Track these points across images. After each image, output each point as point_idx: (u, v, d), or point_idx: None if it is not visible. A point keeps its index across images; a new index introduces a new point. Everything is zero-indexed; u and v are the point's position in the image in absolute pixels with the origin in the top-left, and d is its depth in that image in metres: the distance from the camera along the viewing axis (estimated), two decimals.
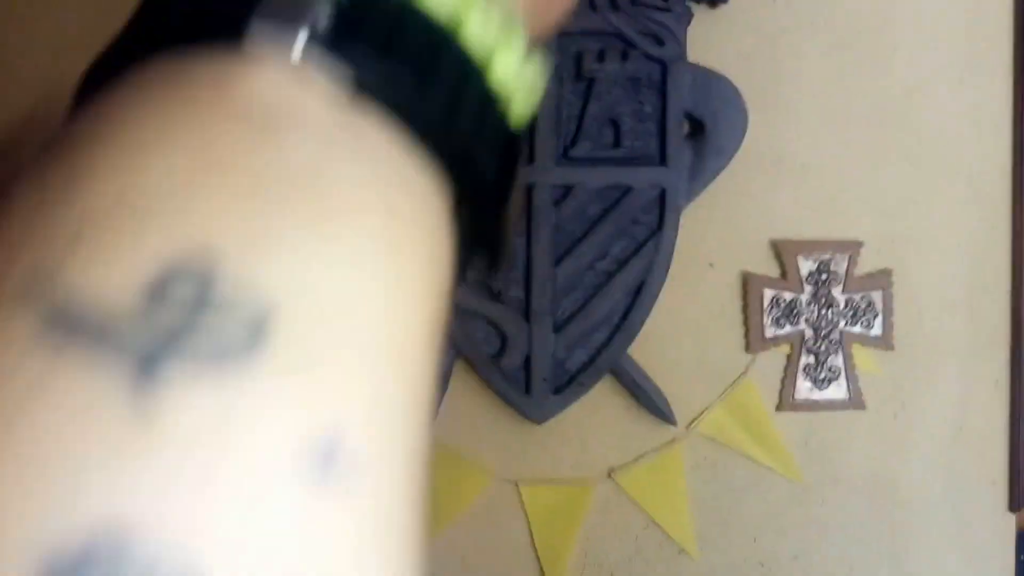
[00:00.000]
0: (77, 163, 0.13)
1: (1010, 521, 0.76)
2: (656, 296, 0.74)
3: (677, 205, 0.74)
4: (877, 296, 0.75)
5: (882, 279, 0.75)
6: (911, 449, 0.76)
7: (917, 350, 0.76)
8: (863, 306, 0.75)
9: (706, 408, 0.76)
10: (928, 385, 0.76)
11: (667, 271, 0.74)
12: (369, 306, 0.14)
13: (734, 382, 0.76)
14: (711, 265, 0.76)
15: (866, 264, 0.76)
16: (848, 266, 0.75)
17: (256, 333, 0.12)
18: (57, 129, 0.14)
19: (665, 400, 0.75)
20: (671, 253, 0.74)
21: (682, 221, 0.74)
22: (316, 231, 0.13)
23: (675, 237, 0.74)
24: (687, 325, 0.76)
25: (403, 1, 0.15)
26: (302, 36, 0.14)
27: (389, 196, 0.14)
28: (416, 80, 0.15)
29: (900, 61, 0.77)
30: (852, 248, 0.75)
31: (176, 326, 0.12)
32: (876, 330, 0.75)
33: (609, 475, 0.76)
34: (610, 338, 0.74)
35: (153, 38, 0.15)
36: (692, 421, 0.76)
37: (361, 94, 0.14)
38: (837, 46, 0.76)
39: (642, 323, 0.74)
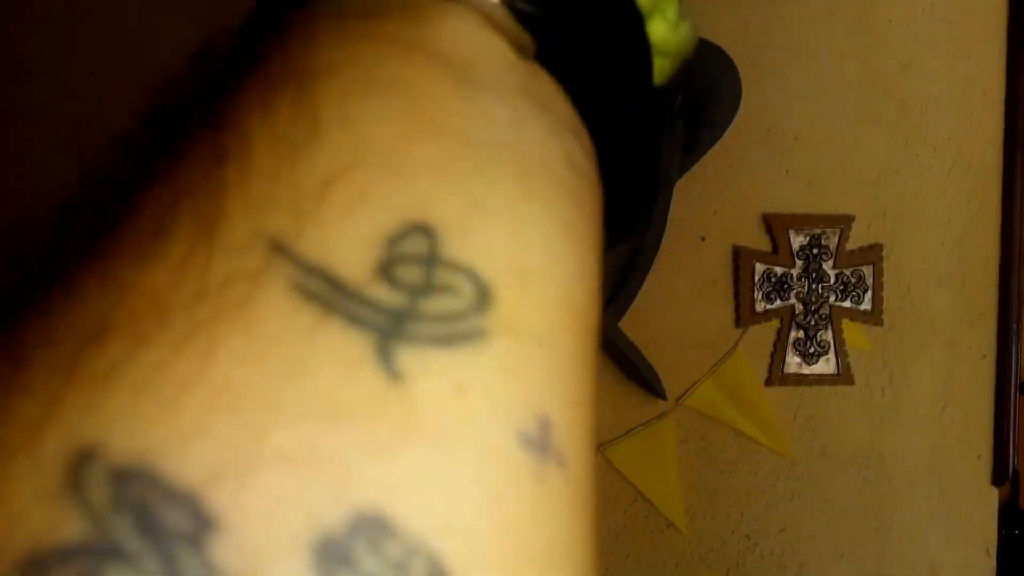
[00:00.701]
0: (302, 115, 0.12)
1: (993, 495, 0.77)
2: (647, 270, 0.74)
3: (670, 178, 0.73)
4: (867, 271, 0.75)
5: (873, 254, 0.75)
6: (898, 423, 0.76)
7: (906, 325, 0.76)
8: (853, 281, 0.75)
9: (696, 382, 0.76)
10: (916, 360, 0.76)
11: (659, 244, 0.73)
12: (564, 270, 0.13)
13: (724, 356, 0.76)
14: (702, 239, 0.76)
15: (857, 239, 0.76)
16: (839, 241, 0.75)
17: (482, 302, 0.12)
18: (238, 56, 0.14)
19: (655, 374, 0.75)
20: (663, 226, 0.73)
21: (674, 194, 0.73)
22: (522, 191, 0.13)
23: (668, 210, 0.73)
24: (678, 299, 0.76)
25: None
26: None
27: (567, 145, 0.14)
28: (584, 30, 0.14)
29: (894, 35, 0.76)
30: (843, 223, 0.75)
31: (411, 292, 0.12)
32: (866, 305, 0.75)
33: (598, 449, 0.76)
34: (601, 312, 0.73)
35: None
36: (682, 395, 0.76)
37: (537, 42, 0.14)
38: (831, 19, 0.75)
39: (634, 297, 0.74)
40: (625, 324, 0.74)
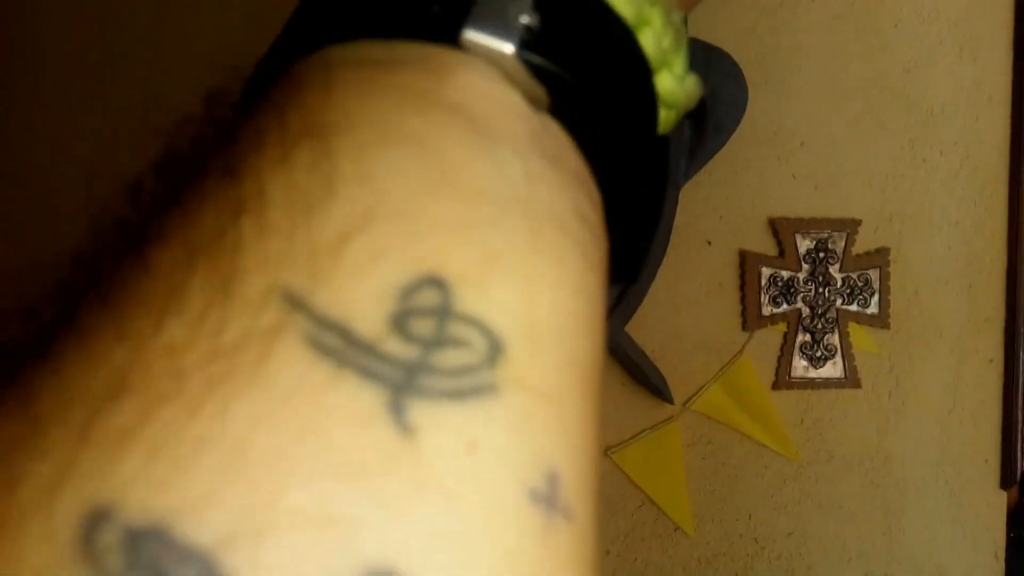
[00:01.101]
0: (319, 170, 0.12)
1: (1001, 498, 0.77)
2: (654, 275, 0.74)
3: (676, 182, 0.73)
4: (874, 274, 0.75)
5: (879, 258, 0.75)
6: (905, 427, 0.76)
7: (913, 328, 0.76)
8: (860, 284, 0.75)
9: (703, 386, 0.76)
10: (923, 363, 0.76)
11: (665, 249, 0.74)
12: (573, 325, 0.13)
13: (731, 360, 0.76)
14: (709, 243, 0.76)
15: (864, 242, 0.76)
16: (846, 245, 0.75)
17: (493, 356, 0.12)
18: (241, 110, 0.14)
19: (662, 378, 0.75)
20: (670, 231, 0.73)
21: (680, 199, 0.74)
22: (534, 246, 0.13)
23: (674, 215, 0.73)
24: (684, 303, 0.76)
25: (594, 5, 0.14)
26: (513, 39, 0.14)
27: (577, 198, 0.14)
28: (597, 84, 0.14)
29: (899, 37, 0.76)
30: (850, 226, 0.75)
31: (424, 346, 0.12)
32: (872, 308, 0.75)
33: (606, 453, 0.76)
34: (608, 315, 0.74)
35: (342, 27, 0.14)
36: (689, 399, 0.76)
37: (551, 97, 0.14)
38: (836, 22, 0.76)
39: (640, 301, 0.74)
40: (632, 328, 0.74)
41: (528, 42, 0.14)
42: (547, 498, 0.12)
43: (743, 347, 0.76)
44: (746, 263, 0.75)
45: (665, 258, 0.74)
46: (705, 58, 0.73)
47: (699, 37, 0.73)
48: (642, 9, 0.15)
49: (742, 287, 0.76)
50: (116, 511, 0.10)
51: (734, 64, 0.73)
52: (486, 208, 0.13)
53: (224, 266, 0.12)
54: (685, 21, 0.17)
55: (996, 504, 0.77)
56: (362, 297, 0.12)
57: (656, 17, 0.16)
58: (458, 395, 0.12)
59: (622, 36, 0.15)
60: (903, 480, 0.77)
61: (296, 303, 0.11)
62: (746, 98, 0.73)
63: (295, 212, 0.12)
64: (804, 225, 0.75)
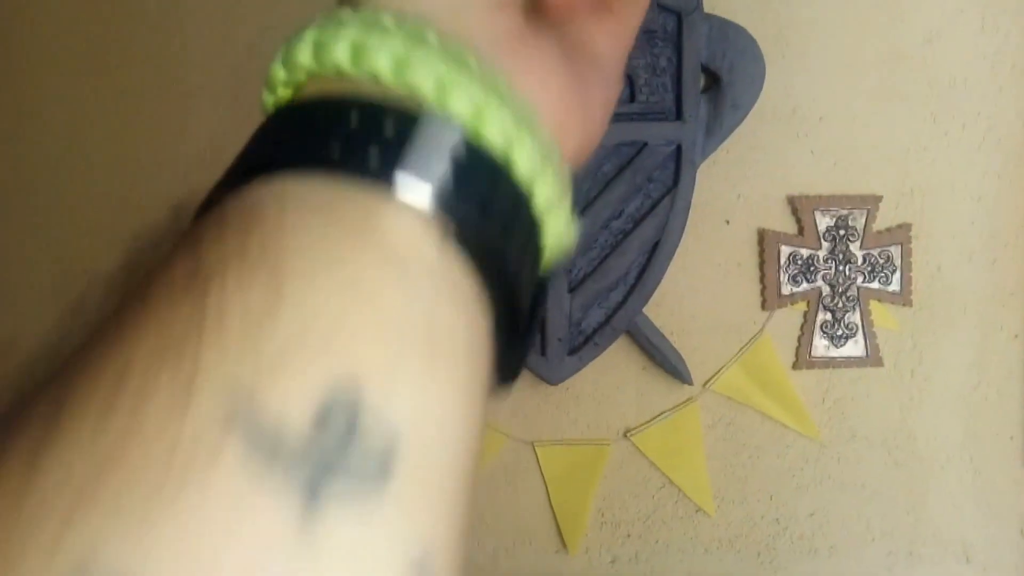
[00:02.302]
0: (270, 290, 0.15)
1: None
2: (672, 254, 0.73)
3: (693, 161, 0.72)
4: (895, 251, 0.74)
5: (901, 234, 0.74)
6: (929, 405, 0.76)
7: (935, 305, 0.75)
8: (881, 261, 0.74)
9: (722, 367, 0.75)
10: (946, 340, 0.75)
11: (683, 229, 0.73)
12: (458, 426, 0.16)
13: (750, 340, 0.75)
14: (727, 222, 0.75)
15: (885, 219, 0.74)
16: (866, 221, 0.74)
17: (387, 462, 0.14)
18: (195, 231, 0.17)
19: (681, 359, 0.74)
20: (687, 210, 0.73)
21: (698, 177, 0.73)
22: (431, 359, 0.16)
23: (691, 194, 0.72)
24: (703, 283, 0.75)
25: (467, 140, 0.17)
26: (434, 183, 0.16)
27: (470, 316, 0.17)
28: (492, 222, 0.17)
29: (918, 9, 0.74)
30: (871, 203, 0.74)
31: (333, 452, 0.14)
32: (894, 286, 0.74)
33: (625, 435, 0.76)
34: (625, 298, 0.73)
35: (284, 158, 0.17)
36: (708, 380, 0.75)
37: (455, 239, 0.17)
38: None
39: (658, 282, 0.73)
40: (650, 309, 0.74)
41: (444, 186, 0.17)
42: (427, 570, 0.15)
43: (763, 327, 0.75)
44: (765, 242, 0.74)
45: (683, 238, 0.73)
46: (722, 34, 0.72)
47: (715, 12, 0.72)
48: (536, 166, 0.18)
49: (761, 266, 0.75)
50: (93, 563, 0.13)
51: (751, 39, 0.72)
52: (397, 327, 0.15)
53: (188, 364, 0.14)
54: (572, 175, 0.20)
55: (1021, 480, 0.76)
56: (295, 395, 0.14)
57: (549, 173, 0.18)
58: (361, 488, 0.14)
59: (516, 191, 0.18)
60: (927, 458, 0.76)
61: (244, 397, 0.14)
62: (763, 74, 0.72)
63: (248, 325, 0.15)
64: (823, 202, 0.74)
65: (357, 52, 0.17)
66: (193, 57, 0.75)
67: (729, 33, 0.72)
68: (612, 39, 0.22)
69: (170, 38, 0.75)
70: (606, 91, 0.22)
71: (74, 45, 0.76)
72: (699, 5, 0.71)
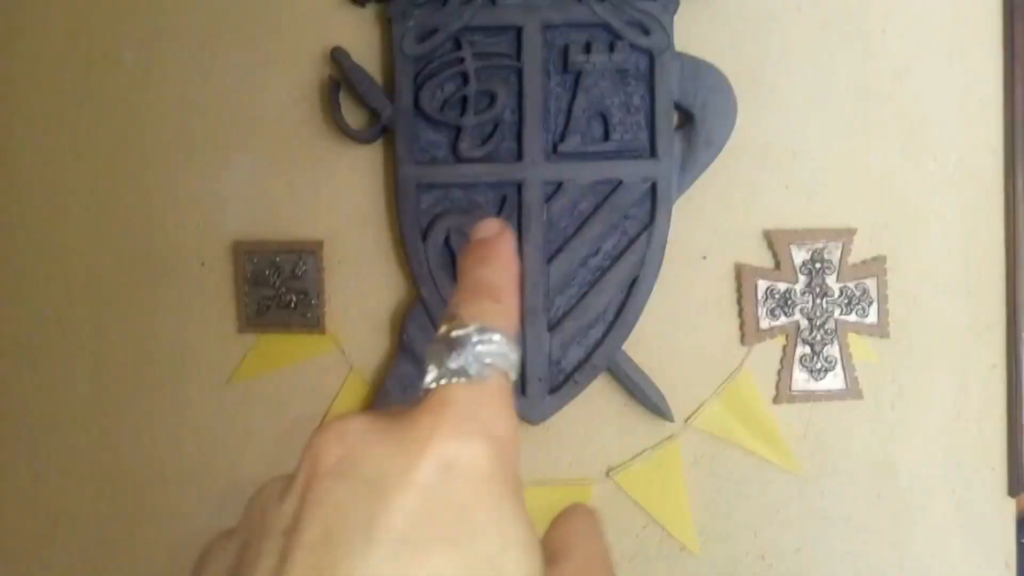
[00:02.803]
0: None
1: (1010, 505, 0.76)
2: (650, 291, 0.73)
3: (668, 197, 0.72)
4: (871, 283, 0.75)
5: (876, 266, 0.75)
6: (910, 437, 0.75)
7: (913, 337, 0.75)
8: (858, 294, 0.74)
9: (703, 402, 0.75)
10: (925, 372, 0.75)
11: (660, 265, 0.73)
12: None
13: (730, 375, 0.75)
14: (704, 258, 0.75)
15: (860, 251, 0.75)
16: (842, 254, 0.74)
17: None
18: None
19: (662, 396, 0.74)
20: (663, 246, 0.73)
21: (673, 214, 0.73)
22: None
23: (667, 230, 0.73)
24: (682, 319, 0.75)
25: None
26: None
27: None
28: None
29: (888, 42, 0.75)
30: (845, 236, 0.74)
31: None
32: (871, 318, 0.75)
33: (608, 474, 0.75)
34: (605, 335, 0.73)
35: None
36: (689, 416, 0.75)
37: None
38: (824, 31, 0.75)
39: (636, 319, 0.73)
40: (629, 346, 0.74)
41: None
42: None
43: (742, 361, 0.75)
44: (742, 276, 0.74)
45: (660, 274, 0.73)
46: (694, 72, 0.72)
47: (686, 51, 0.73)
48: None
49: (739, 301, 0.75)
50: None
51: (722, 76, 0.73)
52: None
53: None
54: None
55: (1005, 511, 0.76)
56: None
57: None
58: None
59: None
60: (910, 491, 0.76)
61: None
62: (735, 110, 0.73)
63: None
64: (799, 236, 0.74)
65: None
66: (168, 109, 0.75)
67: (701, 71, 0.72)
68: None
69: (144, 91, 0.75)
70: None
71: (49, 97, 0.76)
72: (670, 44, 0.71)
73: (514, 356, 0.20)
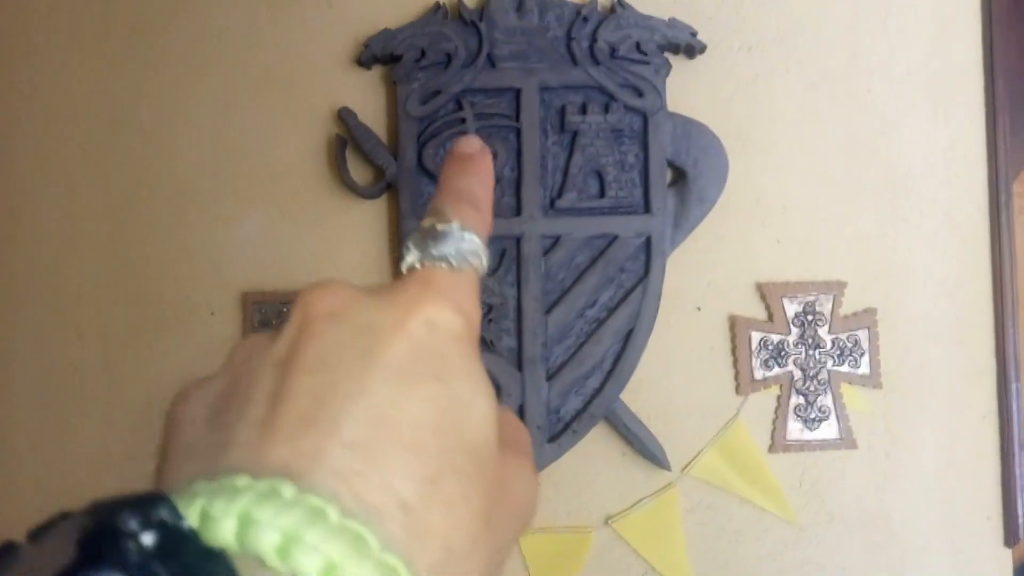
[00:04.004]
0: None
1: (1006, 556, 0.76)
2: (646, 341, 0.75)
3: (663, 251, 0.75)
4: (863, 335, 0.76)
5: (867, 318, 0.76)
6: (904, 486, 0.76)
7: (905, 387, 0.77)
8: (849, 345, 0.76)
9: (700, 451, 0.76)
10: (918, 421, 0.77)
11: (655, 316, 0.75)
12: None
13: (726, 424, 0.76)
14: (698, 309, 0.77)
15: (850, 303, 0.77)
16: (833, 306, 0.76)
17: None
18: None
19: (659, 445, 0.75)
20: (658, 298, 0.75)
21: (668, 267, 0.75)
22: None
23: (662, 283, 0.75)
24: (678, 369, 0.77)
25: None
26: None
27: None
28: None
29: (874, 101, 0.78)
30: (836, 288, 0.76)
31: None
32: (863, 369, 0.76)
33: (606, 522, 0.76)
34: (602, 385, 0.75)
35: None
36: (686, 465, 0.76)
37: None
38: (812, 91, 0.78)
39: (633, 369, 0.75)
40: (626, 395, 0.75)
41: None
42: None
43: (737, 411, 0.76)
44: (736, 327, 0.76)
45: (656, 325, 0.75)
46: (686, 131, 0.75)
47: (679, 111, 0.76)
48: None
49: (733, 351, 0.77)
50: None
51: (713, 136, 0.76)
52: None
53: None
54: None
55: (1002, 562, 0.76)
56: None
57: None
58: None
59: None
60: (905, 541, 0.76)
61: None
62: (727, 168, 0.75)
63: None
64: (791, 289, 0.76)
65: (244, 525, 0.17)
66: (182, 164, 0.78)
67: (692, 131, 0.75)
68: (529, 486, 0.22)
69: (160, 147, 0.78)
70: (517, 528, 0.22)
71: (68, 152, 0.79)
72: (663, 105, 0.75)
73: (485, 256, 0.23)
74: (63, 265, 0.79)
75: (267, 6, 0.78)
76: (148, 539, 0.15)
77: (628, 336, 0.75)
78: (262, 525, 0.16)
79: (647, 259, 0.74)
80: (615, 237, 0.74)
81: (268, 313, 0.76)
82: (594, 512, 0.77)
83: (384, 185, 0.75)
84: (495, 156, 0.74)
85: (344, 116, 0.76)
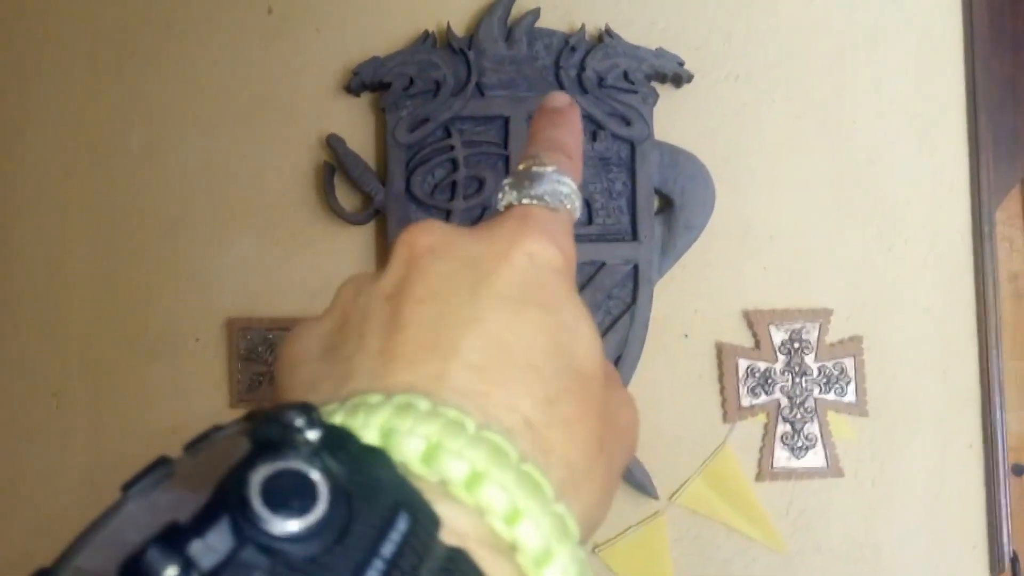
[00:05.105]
0: None
1: None
2: (634, 368, 0.75)
3: (650, 279, 0.75)
4: (849, 363, 0.77)
5: (853, 346, 0.77)
6: (891, 515, 0.76)
7: (891, 415, 0.77)
8: (836, 373, 0.76)
9: (687, 480, 0.76)
10: (904, 450, 0.77)
11: (643, 343, 0.75)
12: None
13: (713, 452, 0.76)
14: (686, 336, 0.77)
15: (837, 331, 0.77)
16: (819, 334, 0.77)
17: None
18: None
19: (647, 474, 0.75)
20: (646, 326, 0.75)
21: (655, 294, 0.75)
22: None
23: (649, 310, 0.75)
24: (665, 396, 0.77)
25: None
26: None
27: None
28: None
29: (859, 131, 0.79)
30: (822, 316, 0.77)
31: None
32: (850, 397, 0.76)
33: (593, 550, 0.76)
34: None
35: None
36: (674, 493, 0.76)
37: None
38: (798, 121, 0.79)
39: None
40: None
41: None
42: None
43: (724, 439, 0.76)
44: (723, 355, 0.76)
45: (643, 353, 0.75)
46: (673, 160, 0.76)
47: (666, 140, 0.76)
48: (551, 544, 0.17)
49: (721, 379, 0.77)
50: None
51: (701, 165, 0.76)
52: None
53: None
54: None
55: None
56: None
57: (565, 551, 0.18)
58: None
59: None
60: (892, 569, 0.76)
61: None
62: (713, 196, 0.76)
63: None
64: (777, 316, 0.77)
65: (387, 435, 0.17)
66: (169, 190, 0.78)
67: (680, 160, 0.76)
68: (632, 414, 0.23)
69: (147, 174, 0.78)
70: (624, 456, 0.23)
71: (55, 178, 0.79)
72: (651, 134, 0.75)
73: (579, 201, 0.24)
74: (48, 292, 0.78)
75: (257, 34, 0.78)
76: (313, 435, 0.16)
77: (616, 363, 0.75)
78: (404, 434, 0.17)
79: (634, 286, 0.75)
80: (603, 264, 0.75)
81: (254, 340, 0.76)
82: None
83: (372, 211, 0.75)
84: (482, 184, 0.75)
85: (333, 143, 0.76)
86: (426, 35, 0.76)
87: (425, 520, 0.16)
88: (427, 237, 0.21)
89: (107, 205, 0.78)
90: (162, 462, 0.17)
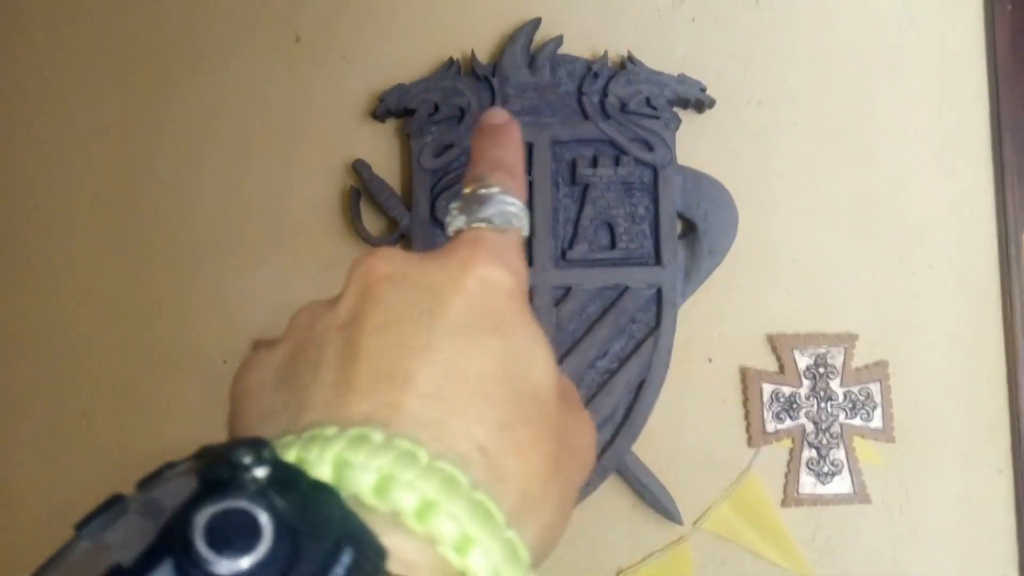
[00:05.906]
0: None
1: None
2: (657, 393, 0.75)
3: (673, 303, 0.75)
4: (875, 388, 0.76)
5: (879, 371, 0.76)
6: (919, 542, 0.75)
7: (918, 441, 0.76)
8: (862, 398, 0.76)
9: (711, 505, 0.75)
10: (931, 476, 0.76)
11: (667, 368, 0.75)
12: None
13: (738, 477, 0.76)
14: (710, 360, 0.77)
15: (862, 356, 0.77)
16: (844, 359, 0.76)
17: None
18: None
19: (671, 498, 0.75)
20: (670, 350, 0.75)
21: (679, 318, 0.75)
22: None
23: (673, 334, 0.75)
24: (689, 420, 0.76)
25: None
26: None
27: None
28: None
29: (882, 154, 0.79)
30: (847, 341, 0.76)
31: None
32: (876, 422, 0.76)
33: None
34: (614, 437, 0.74)
35: None
36: (698, 518, 0.75)
37: None
38: (820, 142, 0.79)
39: (645, 420, 0.75)
40: (638, 447, 0.75)
41: None
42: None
43: (749, 464, 0.76)
44: (747, 379, 0.76)
45: (667, 377, 0.75)
46: (696, 184, 0.76)
47: (689, 164, 0.77)
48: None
49: (745, 403, 0.76)
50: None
51: (723, 189, 0.76)
52: None
53: None
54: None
55: None
56: None
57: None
58: None
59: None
60: None
61: None
62: (736, 221, 0.76)
63: None
64: (802, 341, 0.76)
65: (340, 468, 0.17)
66: (198, 215, 0.79)
67: (703, 184, 0.76)
68: (589, 434, 0.23)
69: (177, 199, 0.80)
70: (581, 476, 0.23)
71: (87, 203, 0.80)
72: (673, 159, 0.76)
73: (526, 219, 0.24)
74: (77, 315, 0.79)
75: (283, 61, 0.80)
76: (261, 472, 0.16)
77: (639, 387, 0.75)
78: (357, 467, 0.17)
79: (658, 310, 0.75)
80: (626, 288, 0.75)
81: None
82: (605, 566, 0.76)
83: (398, 236, 0.76)
84: None
85: (359, 168, 0.77)
86: (451, 62, 0.77)
87: (371, 553, 0.16)
88: (384, 265, 0.22)
89: (136, 230, 0.80)
90: (116, 500, 0.17)
